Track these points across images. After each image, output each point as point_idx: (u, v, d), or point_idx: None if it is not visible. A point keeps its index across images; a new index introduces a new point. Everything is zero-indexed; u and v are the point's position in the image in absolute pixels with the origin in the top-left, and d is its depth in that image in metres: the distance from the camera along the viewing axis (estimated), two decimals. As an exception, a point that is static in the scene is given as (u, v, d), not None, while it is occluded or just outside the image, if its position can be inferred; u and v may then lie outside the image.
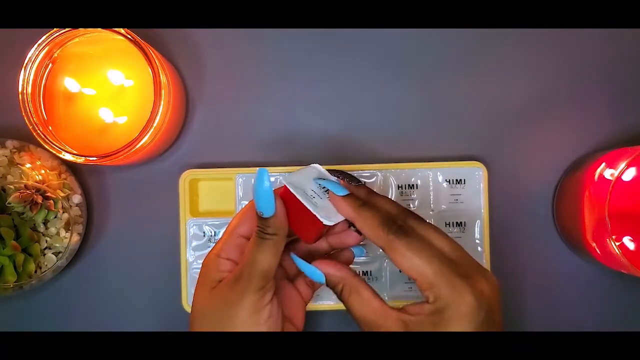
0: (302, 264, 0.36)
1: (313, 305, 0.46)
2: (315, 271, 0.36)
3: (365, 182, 0.46)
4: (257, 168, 0.35)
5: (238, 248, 0.37)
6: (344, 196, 0.36)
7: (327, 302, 0.46)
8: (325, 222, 0.35)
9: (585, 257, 0.46)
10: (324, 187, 0.37)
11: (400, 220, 0.34)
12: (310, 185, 0.37)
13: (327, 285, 0.36)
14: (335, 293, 0.35)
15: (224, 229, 0.38)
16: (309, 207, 0.35)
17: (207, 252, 0.37)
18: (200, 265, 0.46)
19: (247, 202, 0.46)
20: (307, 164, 0.47)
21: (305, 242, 0.38)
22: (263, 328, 0.34)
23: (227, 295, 0.34)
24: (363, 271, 0.46)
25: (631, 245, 0.42)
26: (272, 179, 0.46)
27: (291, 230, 0.36)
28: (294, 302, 0.39)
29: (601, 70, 0.48)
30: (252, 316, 0.34)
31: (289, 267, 0.40)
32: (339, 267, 0.36)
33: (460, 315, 0.31)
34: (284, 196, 0.36)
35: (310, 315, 0.47)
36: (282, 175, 0.46)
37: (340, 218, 0.36)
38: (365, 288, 0.35)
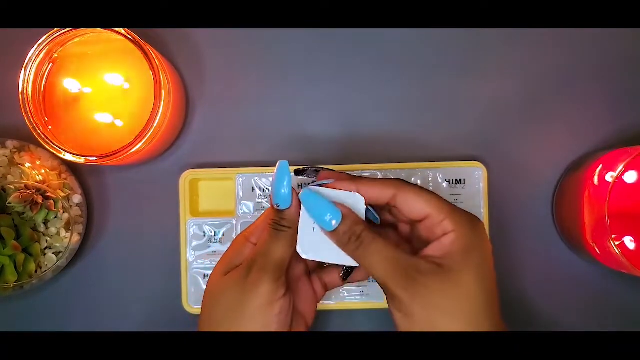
0: (316, 198, 0.35)
1: (313, 305, 0.46)
2: (334, 208, 0.34)
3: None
4: (278, 160, 0.35)
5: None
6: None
7: (327, 302, 0.46)
8: (300, 253, 0.35)
9: (585, 257, 0.46)
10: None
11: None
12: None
13: (340, 229, 0.34)
14: (349, 238, 0.34)
15: (231, 242, 0.38)
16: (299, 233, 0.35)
17: (209, 250, 0.37)
18: (200, 266, 0.47)
19: (247, 202, 0.46)
20: (307, 164, 0.47)
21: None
22: (274, 321, 0.34)
23: (240, 281, 0.35)
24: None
25: (631, 245, 0.42)
26: (272, 178, 0.46)
27: None
28: (308, 298, 0.40)
29: (601, 70, 0.48)
30: (264, 307, 0.34)
31: (311, 263, 0.41)
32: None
33: (483, 235, 0.34)
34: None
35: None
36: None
37: (316, 259, 0.36)
38: (384, 234, 0.35)
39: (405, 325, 0.33)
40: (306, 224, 0.35)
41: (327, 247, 0.35)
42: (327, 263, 0.41)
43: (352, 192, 0.35)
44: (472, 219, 0.34)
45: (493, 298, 0.33)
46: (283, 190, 0.35)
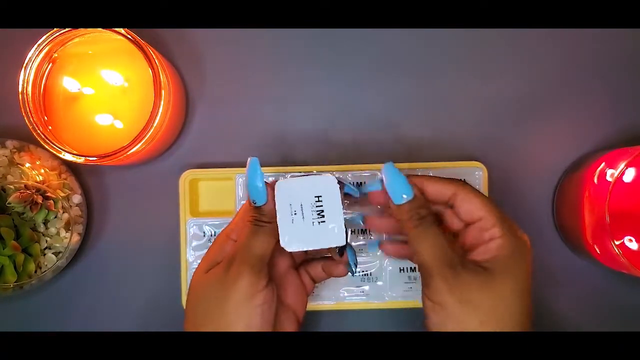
0: (397, 173, 0.36)
1: (313, 305, 0.46)
2: (408, 186, 0.35)
3: (365, 182, 0.46)
4: (249, 158, 0.36)
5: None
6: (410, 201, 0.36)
7: (327, 302, 0.46)
8: (284, 247, 0.36)
9: (585, 257, 0.46)
10: (318, 209, 0.36)
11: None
12: (304, 199, 0.36)
13: (409, 205, 0.35)
14: (412, 215, 0.35)
15: (238, 209, 0.38)
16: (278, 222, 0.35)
17: (222, 230, 0.38)
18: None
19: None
20: (307, 164, 0.47)
21: None
22: (257, 313, 0.34)
23: (221, 277, 0.35)
24: (363, 272, 0.46)
25: (631, 246, 0.42)
26: (272, 178, 0.46)
27: None
28: (297, 291, 0.40)
29: (601, 71, 0.48)
30: (246, 300, 0.34)
31: (297, 256, 0.41)
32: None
33: (527, 249, 0.35)
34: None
35: (310, 315, 0.47)
36: (282, 175, 0.46)
37: (304, 249, 0.36)
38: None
39: (434, 315, 0.33)
40: (284, 217, 0.36)
41: (308, 236, 0.36)
42: (311, 251, 0.41)
43: (326, 174, 0.36)
44: (516, 229, 0.35)
45: (527, 309, 0.34)
46: (258, 186, 0.36)
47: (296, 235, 0.36)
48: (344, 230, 0.36)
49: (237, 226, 0.38)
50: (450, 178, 0.37)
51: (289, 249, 0.36)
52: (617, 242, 0.39)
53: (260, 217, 0.36)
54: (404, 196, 0.35)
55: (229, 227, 0.38)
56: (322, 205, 0.36)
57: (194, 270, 0.38)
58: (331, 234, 0.36)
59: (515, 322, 0.33)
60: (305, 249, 0.36)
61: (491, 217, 0.35)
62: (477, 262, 0.34)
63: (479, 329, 0.32)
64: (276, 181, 0.36)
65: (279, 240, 0.36)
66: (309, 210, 0.36)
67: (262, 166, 0.46)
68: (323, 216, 0.36)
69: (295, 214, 0.36)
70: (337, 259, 0.40)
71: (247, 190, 0.36)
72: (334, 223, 0.36)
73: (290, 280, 0.40)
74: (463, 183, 0.36)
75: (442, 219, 0.38)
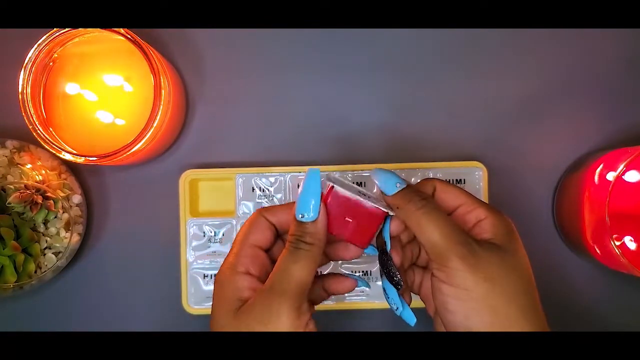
0: (386, 172, 0.35)
1: (313, 305, 0.46)
2: (400, 179, 0.34)
3: (365, 182, 0.46)
4: (308, 168, 0.34)
5: (255, 260, 0.34)
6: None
7: (327, 302, 0.46)
8: (390, 212, 0.34)
9: (585, 257, 0.46)
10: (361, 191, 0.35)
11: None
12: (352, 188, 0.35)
13: (407, 189, 0.34)
14: (413, 197, 0.33)
15: (233, 240, 0.35)
16: (365, 204, 0.33)
17: (220, 268, 0.34)
18: (200, 266, 0.46)
19: (247, 202, 0.46)
20: (307, 164, 0.47)
21: (360, 246, 0.35)
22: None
23: (261, 315, 0.31)
24: (363, 271, 0.46)
25: (631, 246, 0.42)
26: (272, 178, 0.46)
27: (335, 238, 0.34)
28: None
29: (601, 70, 0.48)
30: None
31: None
32: None
33: (512, 224, 0.34)
34: (329, 202, 0.33)
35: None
36: (282, 175, 0.46)
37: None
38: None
39: (457, 303, 0.31)
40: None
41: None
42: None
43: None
44: (501, 213, 0.34)
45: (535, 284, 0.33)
46: (311, 200, 0.32)
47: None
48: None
49: (241, 256, 0.34)
50: (424, 179, 0.36)
51: (393, 213, 0.34)
52: (617, 242, 0.39)
53: (304, 236, 0.32)
54: (398, 185, 0.34)
55: (228, 262, 0.34)
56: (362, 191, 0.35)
57: (215, 272, 0.35)
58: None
59: (533, 298, 0.32)
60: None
61: (471, 201, 0.34)
62: (485, 240, 0.33)
63: (506, 308, 0.31)
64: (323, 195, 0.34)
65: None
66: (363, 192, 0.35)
67: (262, 166, 0.46)
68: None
69: (364, 194, 0.35)
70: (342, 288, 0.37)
71: (297, 201, 0.33)
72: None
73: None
74: (436, 178, 0.36)
75: None
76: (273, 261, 0.34)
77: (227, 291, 0.33)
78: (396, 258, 0.35)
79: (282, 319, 0.31)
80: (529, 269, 0.33)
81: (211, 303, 0.34)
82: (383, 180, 0.34)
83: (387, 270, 0.35)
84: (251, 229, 0.35)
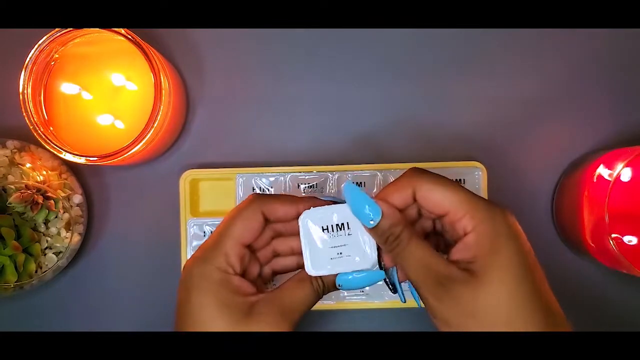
0: (358, 192, 0.33)
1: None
2: (374, 204, 0.32)
3: (364, 182, 0.46)
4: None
5: (242, 261, 0.35)
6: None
7: (327, 302, 0.46)
8: (309, 272, 0.34)
9: (584, 256, 0.46)
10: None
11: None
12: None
13: (379, 227, 0.33)
14: (388, 238, 0.32)
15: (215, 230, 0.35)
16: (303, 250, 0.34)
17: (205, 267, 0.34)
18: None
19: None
20: (307, 164, 0.47)
21: None
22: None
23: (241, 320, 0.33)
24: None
25: (630, 245, 0.42)
26: (272, 178, 0.46)
27: None
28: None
29: (601, 70, 0.48)
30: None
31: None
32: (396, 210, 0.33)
33: (508, 228, 0.31)
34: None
35: (310, 315, 0.47)
36: (282, 175, 0.46)
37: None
38: (422, 236, 0.33)
39: (444, 329, 0.32)
40: (309, 241, 0.34)
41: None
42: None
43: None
44: (492, 213, 0.32)
45: (534, 290, 0.31)
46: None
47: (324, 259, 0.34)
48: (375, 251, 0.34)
49: (231, 256, 0.34)
50: (401, 175, 0.34)
51: (314, 274, 0.34)
52: (616, 242, 0.39)
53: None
54: (372, 222, 0.32)
55: (219, 260, 0.34)
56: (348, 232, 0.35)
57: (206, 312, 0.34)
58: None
59: (527, 315, 0.30)
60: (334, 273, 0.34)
61: (457, 209, 0.32)
62: (462, 264, 0.31)
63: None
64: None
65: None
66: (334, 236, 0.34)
67: (262, 166, 0.46)
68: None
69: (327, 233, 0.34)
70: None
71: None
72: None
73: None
74: (416, 173, 0.33)
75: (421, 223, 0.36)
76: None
77: (226, 293, 0.34)
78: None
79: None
80: (509, 289, 0.30)
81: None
82: (357, 212, 0.33)
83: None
84: (239, 222, 0.35)
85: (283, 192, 0.46)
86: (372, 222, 0.32)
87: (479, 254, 0.31)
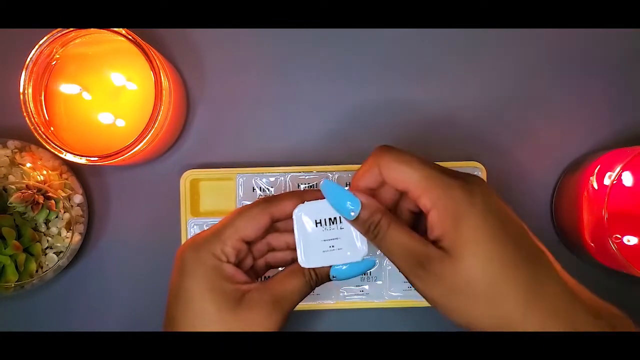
0: (336, 188, 0.33)
1: (313, 305, 0.46)
2: (352, 197, 0.33)
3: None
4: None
5: (238, 254, 0.35)
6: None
7: (327, 302, 0.46)
8: (302, 264, 0.35)
9: (584, 257, 0.46)
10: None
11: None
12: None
13: (360, 218, 0.33)
14: (369, 227, 0.33)
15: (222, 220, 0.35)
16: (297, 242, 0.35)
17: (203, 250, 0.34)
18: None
19: (248, 202, 0.46)
20: (307, 164, 0.47)
21: None
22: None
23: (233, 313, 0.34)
24: (363, 271, 0.47)
25: (630, 245, 0.42)
26: (272, 178, 0.47)
27: None
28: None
29: (600, 70, 0.48)
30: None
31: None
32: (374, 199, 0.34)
33: (468, 201, 0.31)
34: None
35: (310, 315, 0.48)
36: (282, 175, 0.46)
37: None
38: (401, 220, 0.33)
39: (436, 307, 0.32)
40: (303, 234, 0.35)
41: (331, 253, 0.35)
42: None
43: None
44: (449, 188, 0.31)
45: (510, 250, 0.31)
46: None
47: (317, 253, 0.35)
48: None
49: (227, 245, 0.35)
50: (372, 152, 0.33)
51: (309, 266, 0.35)
52: (615, 242, 0.39)
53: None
54: (352, 213, 0.33)
55: (216, 248, 0.34)
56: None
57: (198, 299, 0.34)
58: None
59: (508, 287, 0.30)
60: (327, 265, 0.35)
61: (417, 185, 0.31)
62: (437, 243, 0.31)
63: (483, 317, 0.30)
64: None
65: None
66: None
67: (262, 166, 0.47)
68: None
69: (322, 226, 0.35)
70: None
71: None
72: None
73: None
74: (382, 151, 0.33)
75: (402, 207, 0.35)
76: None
77: (221, 281, 0.34)
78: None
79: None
80: (482, 263, 0.30)
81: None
82: (337, 206, 0.34)
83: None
84: (244, 221, 0.35)
85: (283, 191, 0.46)
86: (352, 214, 0.33)
87: (444, 231, 0.31)
